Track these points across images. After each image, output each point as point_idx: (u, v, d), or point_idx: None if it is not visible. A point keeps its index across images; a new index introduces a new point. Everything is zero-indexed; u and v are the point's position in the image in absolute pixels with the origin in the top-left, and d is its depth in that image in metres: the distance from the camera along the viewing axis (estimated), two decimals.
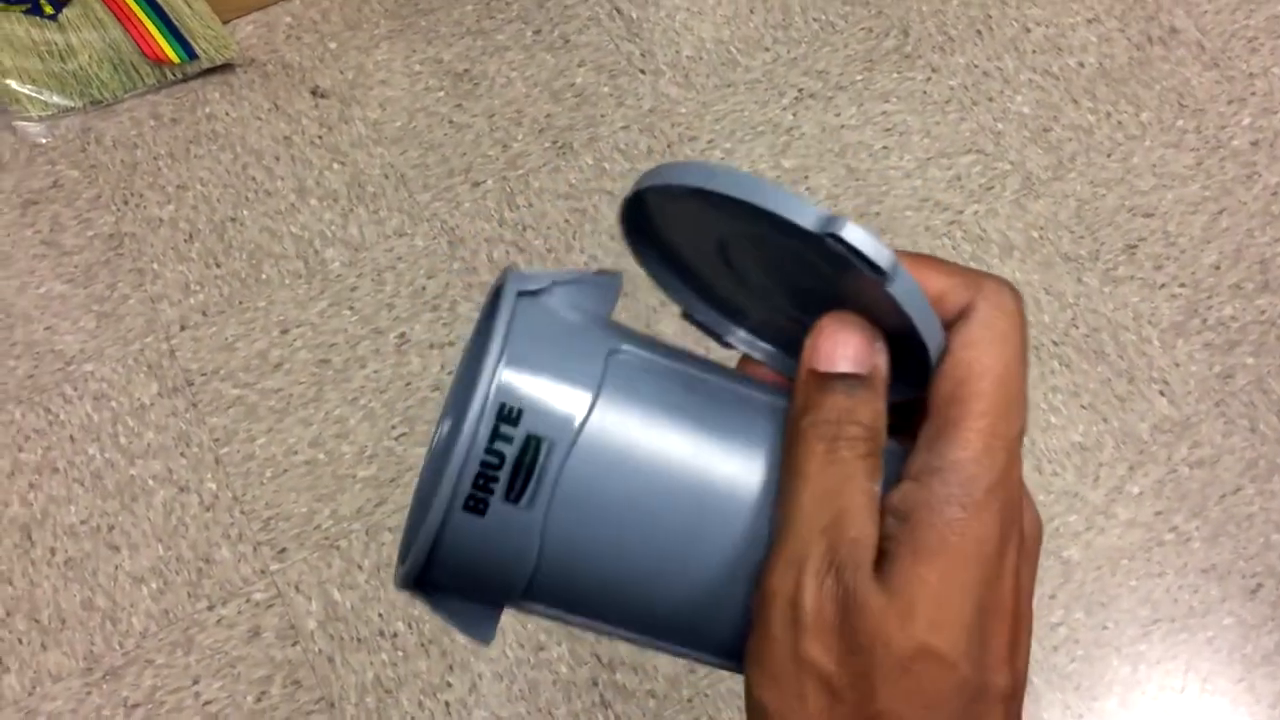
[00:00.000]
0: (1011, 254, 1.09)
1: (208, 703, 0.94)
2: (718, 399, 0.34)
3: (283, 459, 1.03)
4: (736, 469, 0.33)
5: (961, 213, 1.12)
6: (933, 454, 0.30)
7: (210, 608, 0.97)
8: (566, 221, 1.13)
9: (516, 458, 0.31)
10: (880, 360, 0.33)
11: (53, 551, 1.00)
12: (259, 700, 0.94)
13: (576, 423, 0.32)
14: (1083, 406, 1.03)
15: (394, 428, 1.04)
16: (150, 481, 1.03)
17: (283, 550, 0.99)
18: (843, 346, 0.32)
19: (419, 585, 0.32)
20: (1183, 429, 1.02)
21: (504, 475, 0.31)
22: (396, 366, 1.07)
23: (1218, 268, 1.09)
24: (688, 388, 0.34)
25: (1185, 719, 0.92)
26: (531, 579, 0.32)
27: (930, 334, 0.31)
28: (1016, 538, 0.30)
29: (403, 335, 1.08)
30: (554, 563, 0.32)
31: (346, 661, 0.95)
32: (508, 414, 0.31)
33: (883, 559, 0.30)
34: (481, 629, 0.33)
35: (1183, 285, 1.08)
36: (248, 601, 0.98)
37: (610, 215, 1.12)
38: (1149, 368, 1.04)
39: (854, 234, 0.31)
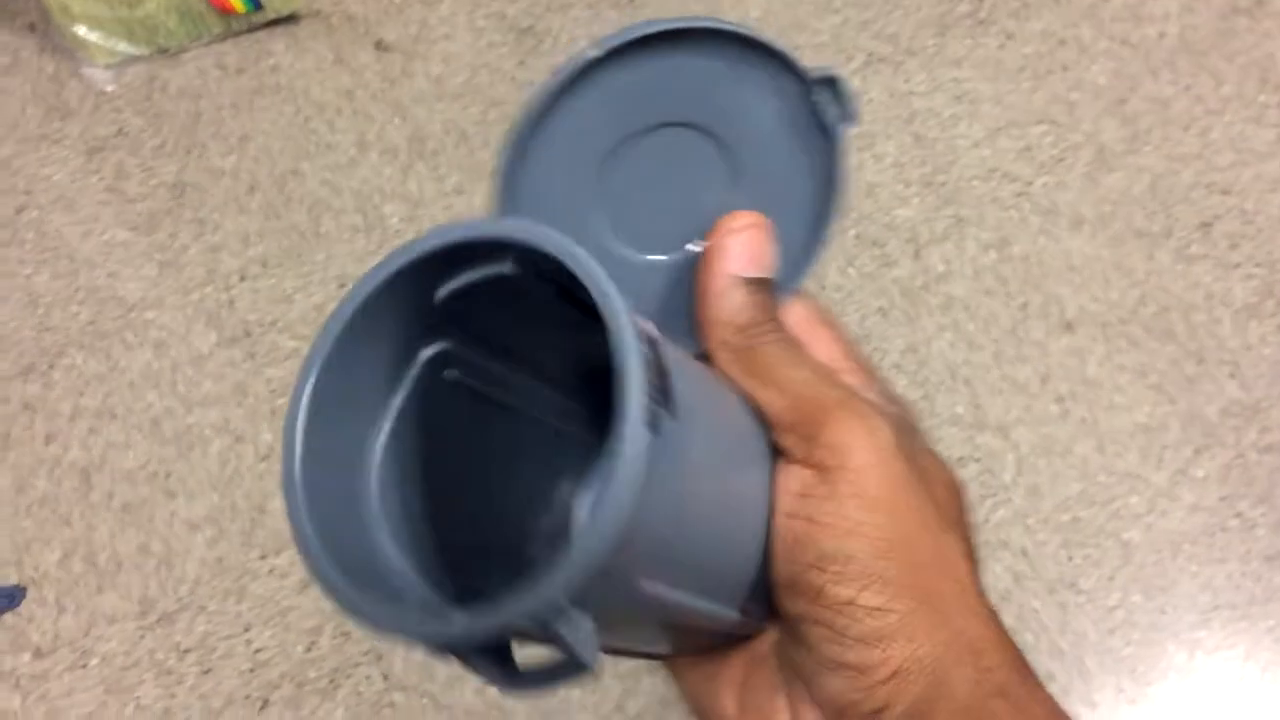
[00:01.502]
0: (1081, 228, 1.07)
1: (258, 650, 0.95)
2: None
3: None
4: (712, 372, 0.35)
5: (1031, 184, 1.09)
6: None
7: (263, 557, 0.98)
8: None
9: (655, 361, 0.27)
10: (773, 258, 0.36)
11: (110, 496, 1.02)
12: (309, 650, 0.95)
13: (661, 337, 0.30)
14: (1149, 386, 1.00)
15: None
16: (207, 430, 1.04)
17: None
18: (757, 250, 0.35)
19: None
20: (1252, 413, 0.99)
21: (656, 381, 0.26)
22: None
23: None
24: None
25: (1242, 708, 0.90)
26: (673, 529, 0.28)
27: None
28: None
29: None
30: (688, 497, 0.28)
31: None
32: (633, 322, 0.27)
33: None
34: (593, 647, 0.26)
35: (1258, 265, 1.05)
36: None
37: None
38: (1219, 349, 1.01)
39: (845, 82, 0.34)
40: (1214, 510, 0.96)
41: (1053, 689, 0.97)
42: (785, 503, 0.33)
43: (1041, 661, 0.90)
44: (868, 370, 0.37)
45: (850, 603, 0.31)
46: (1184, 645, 0.92)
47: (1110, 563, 0.94)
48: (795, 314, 0.37)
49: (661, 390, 0.27)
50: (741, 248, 0.35)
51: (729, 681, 0.36)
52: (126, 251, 1.12)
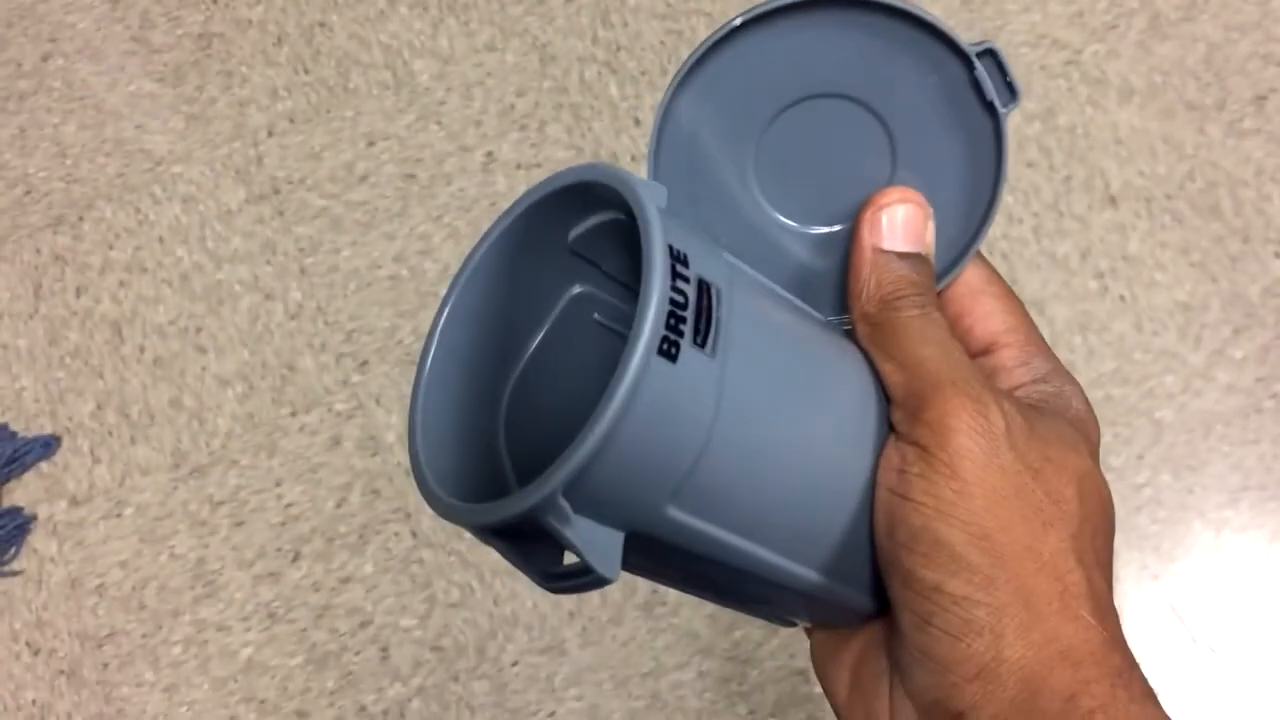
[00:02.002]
0: (1131, 99, 1.03)
1: (289, 505, 0.97)
2: (781, 292, 0.36)
3: (366, 272, 1.03)
4: (831, 341, 0.35)
5: (1080, 52, 1.05)
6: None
7: (293, 414, 0.99)
8: (662, 43, 1.09)
9: (696, 299, 0.29)
10: (931, 236, 0.35)
11: (142, 349, 1.02)
12: (339, 506, 0.96)
13: (729, 273, 0.31)
14: (1191, 264, 0.98)
15: None
16: (237, 287, 1.03)
17: (364, 363, 1.00)
18: (910, 225, 0.35)
19: (566, 491, 0.27)
20: None
21: (689, 315, 0.28)
22: (482, 185, 1.05)
23: None
24: (763, 280, 0.36)
25: (1265, 587, 0.90)
26: (695, 464, 0.29)
27: None
28: None
29: (490, 154, 1.06)
30: (722, 435, 0.29)
31: None
32: (679, 255, 0.29)
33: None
34: (612, 559, 0.29)
35: None
36: (329, 411, 0.99)
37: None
38: (1266, 227, 0.99)
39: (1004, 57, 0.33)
40: (1250, 391, 0.95)
41: None
42: (885, 478, 0.32)
43: None
44: (1029, 345, 0.36)
45: (937, 589, 0.30)
46: (1210, 524, 0.92)
47: (1141, 441, 0.94)
48: (961, 284, 0.37)
49: (700, 328, 0.28)
50: (891, 221, 0.35)
51: (847, 659, 0.36)
52: (153, 103, 1.10)
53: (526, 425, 0.35)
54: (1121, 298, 0.98)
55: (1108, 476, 0.97)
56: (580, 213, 0.33)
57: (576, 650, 0.92)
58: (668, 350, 0.27)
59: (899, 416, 0.33)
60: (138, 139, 1.09)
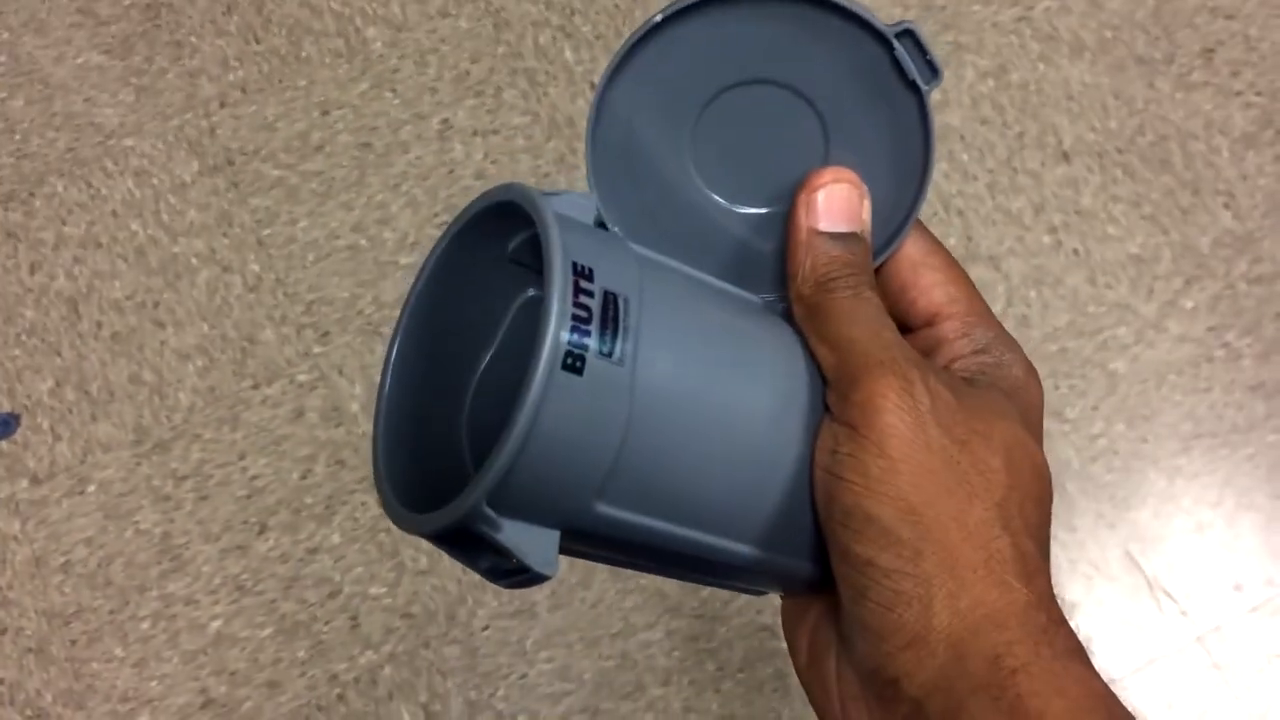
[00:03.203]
0: (1082, 55, 1.04)
1: (254, 477, 0.97)
2: (709, 283, 0.37)
3: (325, 243, 1.02)
4: (762, 327, 0.36)
5: (1032, 9, 1.06)
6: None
7: (255, 387, 0.99)
8: (616, 6, 1.09)
9: (601, 312, 0.30)
10: (867, 214, 0.36)
11: (99, 325, 1.01)
12: (304, 478, 0.96)
13: (639, 281, 0.32)
14: (1143, 217, 1.00)
15: (436, 215, 1.03)
16: (194, 260, 1.03)
17: (326, 334, 1.00)
18: (844, 205, 0.35)
19: (491, 503, 0.29)
20: (1244, 244, 0.99)
21: (594, 328, 0.29)
22: (439, 153, 1.05)
23: None
24: (687, 274, 0.36)
25: (1219, 532, 0.92)
26: (615, 463, 0.30)
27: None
28: None
29: (445, 121, 1.06)
30: (640, 434, 0.30)
31: None
32: (582, 270, 0.30)
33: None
34: (547, 556, 0.31)
35: (1259, 94, 1.03)
36: (291, 382, 0.99)
37: None
38: (1215, 179, 1.00)
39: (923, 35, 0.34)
40: (1201, 341, 0.97)
41: None
42: (821, 458, 0.33)
43: None
44: (970, 315, 0.36)
45: (870, 563, 0.31)
46: (1164, 472, 0.94)
47: (1095, 393, 0.96)
48: (903, 258, 0.37)
49: (606, 338, 0.30)
50: (826, 202, 0.35)
51: (807, 626, 0.37)
52: (102, 76, 1.09)
53: (488, 431, 0.36)
54: (1075, 252, 0.99)
55: (1063, 428, 0.98)
56: (514, 226, 0.34)
57: (546, 613, 0.93)
58: (572, 365, 0.29)
59: (832, 398, 0.34)
60: (87, 112, 1.07)
